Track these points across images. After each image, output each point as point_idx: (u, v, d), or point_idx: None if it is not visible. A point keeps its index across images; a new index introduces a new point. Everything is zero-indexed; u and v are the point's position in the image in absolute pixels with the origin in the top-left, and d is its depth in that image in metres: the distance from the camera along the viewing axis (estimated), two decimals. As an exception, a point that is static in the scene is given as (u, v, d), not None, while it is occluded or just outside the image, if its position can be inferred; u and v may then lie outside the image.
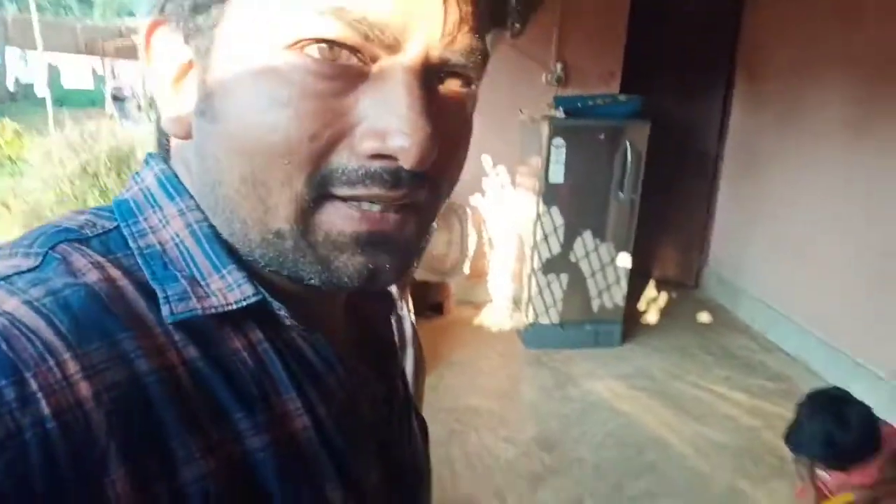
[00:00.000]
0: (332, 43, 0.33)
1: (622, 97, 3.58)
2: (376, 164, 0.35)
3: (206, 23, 0.36)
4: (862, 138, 3.22)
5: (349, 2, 0.32)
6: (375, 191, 0.35)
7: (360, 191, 0.35)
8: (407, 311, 2.75)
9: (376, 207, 0.36)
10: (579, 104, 3.42)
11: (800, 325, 3.59)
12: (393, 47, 0.34)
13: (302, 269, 0.37)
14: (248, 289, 0.38)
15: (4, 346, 0.30)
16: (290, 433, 0.38)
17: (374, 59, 0.35)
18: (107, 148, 4.78)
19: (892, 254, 3.02)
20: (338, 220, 0.36)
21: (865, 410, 1.69)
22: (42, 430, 0.28)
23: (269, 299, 0.38)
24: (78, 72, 15.14)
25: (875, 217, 3.13)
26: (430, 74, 0.36)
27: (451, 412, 2.98)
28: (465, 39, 0.36)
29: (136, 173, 0.44)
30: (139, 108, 8.87)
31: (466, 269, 3.96)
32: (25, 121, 7.86)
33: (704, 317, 4.21)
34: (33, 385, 0.29)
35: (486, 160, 4.05)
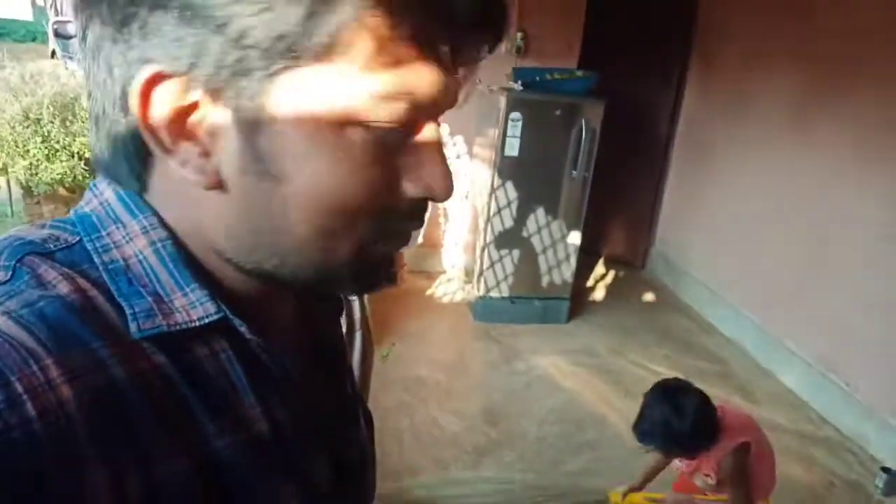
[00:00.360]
0: (397, 124, 0.39)
1: (579, 72, 3.60)
2: (415, 203, 0.43)
3: (252, 87, 0.36)
4: (806, 129, 3.34)
5: (415, 88, 0.38)
6: (416, 223, 0.45)
7: (408, 225, 0.44)
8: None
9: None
10: (537, 77, 3.43)
11: (737, 308, 3.77)
12: (435, 117, 0.42)
13: (342, 287, 0.49)
14: (211, 307, 0.40)
15: None
16: (252, 436, 0.41)
17: (418, 127, 0.41)
18: (50, 92, 4.52)
19: (823, 243, 3.18)
20: (386, 248, 0.44)
21: (701, 399, 1.76)
22: (29, 430, 0.31)
23: (230, 317, 0.41)
24: (15, 1, 14.17)
25: (809, 207, 3.28)
26: None
27: (401, 382, 3.03)
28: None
29: (93, 184, 0.44)
30: (84, 47, 8.35)
31: (420, 239, 3.97)
32: (-43, 53, 7.34)
33: (649, 296, 4.35)
34: (19, 388, 0.31)
35: (444, 129, 4.03)
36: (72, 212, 0.44)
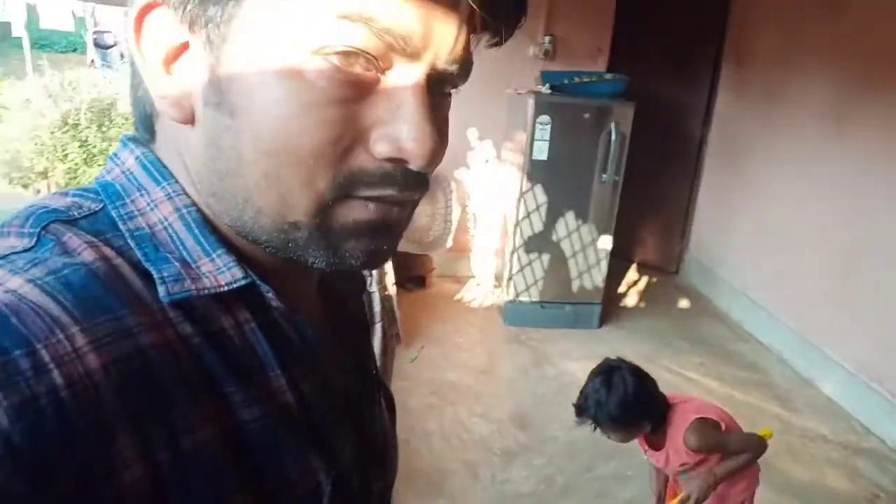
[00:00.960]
0: (357, 51, 0.35)
1: (608, 76, 3.56)
2: (390, 166, 0.38)
3: (219, 15, 0.36)
4: (841, 129, 3.24)
5: (378, 12, 0.34)
6: (389, 191, 0.38)
7: (377, 191, 0.38)
8: (376, 287, 2.77)
9: (387, 204, 0.39)
10: (566, 80, 3.40)
11: (773, 314, 3.66)
12: (411, 57, 0.36)
13: (310, 255, 0.40)
14: (238, 272, 0.40)
15: (15, 320, 0.31)
16: (278, 407, 0.40)
17: (389, 67, 0.37)
18: (88, 99, 4.65)
19: (862, 248, 3.08)
20: (354, 213, 0.39)
21: (635, 377, 1.74)
22: (56, 398, 0.30)
23: (258, 282, 0.40)
24: (57, 12, 14.59)
25: (847, 211, 3.18)
26: (432, 83, 0.38)
27: (430, 385, 3.01)
28: (464, 53, 0.39)
29: (114, 154, 0.44)
30: (122, 56, 8.61)
31: (449, 243, 3.96)
32: (2, 63, 7.61)
33: (683, 302, 4.27)
34: (45, 356, 0.31)
35: (473, 133, 4.02)
36: (94, 181, 0.43)
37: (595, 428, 1.79)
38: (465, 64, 0.39)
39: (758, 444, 1.79)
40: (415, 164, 0.37)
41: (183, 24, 0.37)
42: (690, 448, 1.73)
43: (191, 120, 0.39)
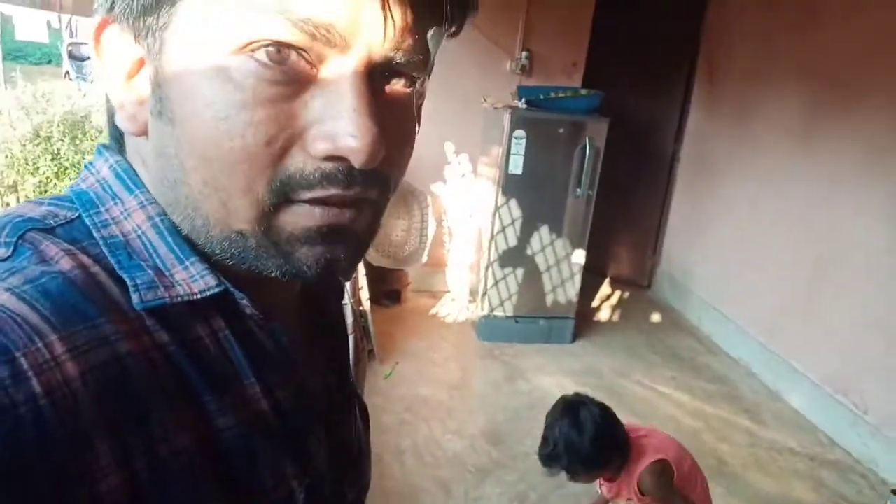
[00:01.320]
0: (279, 45, 0.34)
1: (583, 91, 3.62)
2: (330, 165, 0.36)
3: (155, 24, 0.37)
4: (810, 146, 3.33)
5: (295, 3, 0.33)
6: (332, 191, 0.37)
7: (318, 192, 0.37)
8: (349, 300, 2.78)
9: (335, 207, 0.38)
10: (541, 95, 3.45)
11: (743, 328, 3.73)
12: (340, 48, 0.35)
13: (263, 264, 0.39)
14: (211, 280, 0.40)
15: None
16: (253, 415, 0.41)
17: (320, 61, 0.36)
18: (61, 111, 4.59)
19: (828, 263, 3.15)
20: (299, 219, 0.38)
21: (601, 412, 1.69)
22: (35, 406, 0.30)
23: (232, 290, 0.40)
24: (32, 24, 14.43)
25: (815, 227, 3.26)
26: (375, 75, 0.37)
27: (403, 401, 3.01)
28: (406, 40, 0.37)
29: (90, 163, 0.45)
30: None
31: (425, 258, 3.97)
32: (-27, 74, 7.48)
33: (655, 317, 4.32)
34: (24, 364, 0.31)
35: (449, 147, 4.05)
36: (68, 189, 0.44)
37: (570, 476, 1.71)
38: (411, 52, 0.37)
39: None
40: (356, 161, 0.35)
41: (131, 37, 0.38)
42: (642, 489, 1.71)
43: (144, 131, 0.40)
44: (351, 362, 1.89)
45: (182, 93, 0.36)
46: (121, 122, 0.41)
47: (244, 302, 0.41)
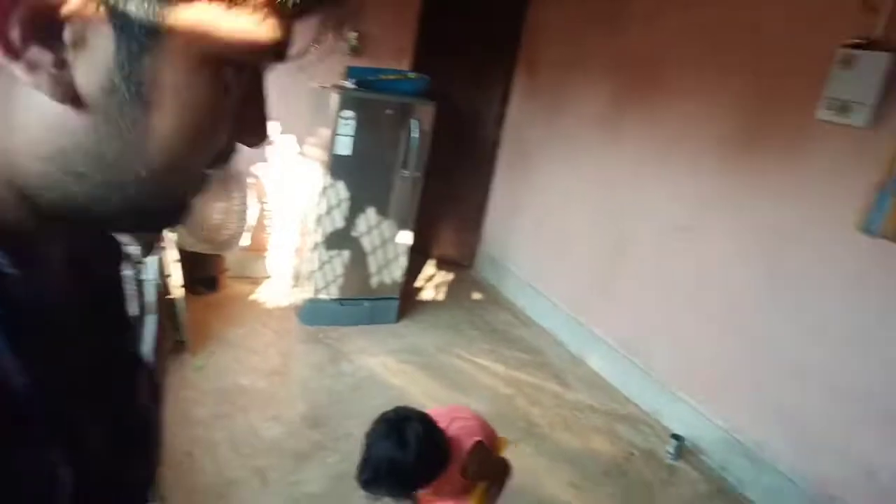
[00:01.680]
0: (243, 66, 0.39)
1: (412, 74, 3.66)
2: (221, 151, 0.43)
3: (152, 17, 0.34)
4: (614, 135, 3.66)
5: (265, 33, 0.37)
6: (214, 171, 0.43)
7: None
8: (153, 276, 2.58)
9: None
10: (370, 77, 3.43)
11: (554, 302, 4.03)
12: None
13: (145, 222, 0.43)
14: None
15: None
16: (6, 393, 0.35)
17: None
18: None
19: (624, 243, 3.51)
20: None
21: (423, 424, 1.61)
22: None
23: None
24: None
25: (614, 210, 3.60)
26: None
27: (219, 393, 2.86)
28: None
29: None
30: None
31: (246, 242, 3.78)
32: None
33: (476, 295, 4.52)
34: None
35: (275, 126, 3.88)
36: None
37: (395, 500, 1.61)
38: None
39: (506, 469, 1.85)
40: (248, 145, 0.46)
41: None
42: (471, 477, 1.68)
43: (73, 102, 0.35)
44: (150, 344, 1.74)
45: (177, 82, 0.37)
46: (35, 83, 0.35)
47: (3, 261, 0.37)
